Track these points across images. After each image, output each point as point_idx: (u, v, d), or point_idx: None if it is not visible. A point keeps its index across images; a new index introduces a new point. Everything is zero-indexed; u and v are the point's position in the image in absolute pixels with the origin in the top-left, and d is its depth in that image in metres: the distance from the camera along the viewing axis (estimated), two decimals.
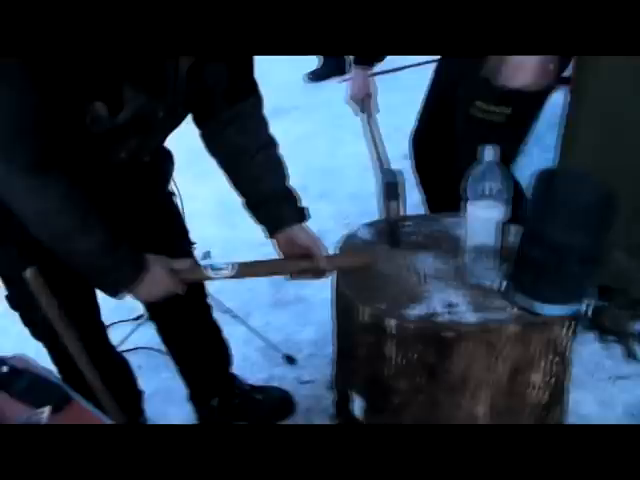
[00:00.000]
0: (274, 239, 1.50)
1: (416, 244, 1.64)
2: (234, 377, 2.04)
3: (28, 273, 1.20)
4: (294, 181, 1.50)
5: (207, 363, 1.94)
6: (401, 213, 1.60)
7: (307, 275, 1.48)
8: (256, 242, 3.14)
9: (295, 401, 2.07)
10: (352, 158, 3.66)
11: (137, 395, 1.95)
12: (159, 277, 1.37)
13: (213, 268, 1.42)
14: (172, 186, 1.71)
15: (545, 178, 1.24)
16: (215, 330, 1.93)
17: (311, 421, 2.03)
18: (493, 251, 1.45)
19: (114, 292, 1.36)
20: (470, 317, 1.36)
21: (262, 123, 1.50)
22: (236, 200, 1.55)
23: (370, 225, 1.75)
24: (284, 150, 1.52)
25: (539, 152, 2.93)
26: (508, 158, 1.86)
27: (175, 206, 1.72)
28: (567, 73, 4.22)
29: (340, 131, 3.84)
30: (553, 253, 1.27)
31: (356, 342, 1.51)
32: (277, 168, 1.49)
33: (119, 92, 1.17)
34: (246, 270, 1.47)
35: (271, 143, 1.50)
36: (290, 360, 2.27)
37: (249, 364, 2.32)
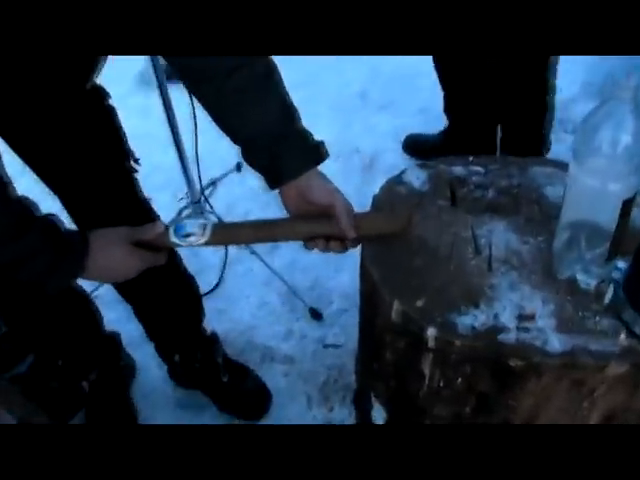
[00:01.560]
0: (279, 192, 1.05)
1: (485, 204, 1.14)
2: (212, 339, 1.69)
3: None
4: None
5: (167, 316, 1.58)
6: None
7: (329, 244, 1.03)
8: None
9: (270, 402, 1.66)
10: (428, 64, 3.07)
11: (103, 338, 1.65)
12: (119, 258, 1.00)
13: (178, 231, 1.01)
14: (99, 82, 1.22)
15: None
16: (180, 279, 1.55)
17: (328, 399, 1.63)
18: (601, 236, 0.94)
19: (49, 288, 1.01)
20: (553, 341, 0.88)
21: None
22: None
23: (423, 166, 1.25)
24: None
25: None
26: None
27: (104, 107, 1.25)
28: None
29: None
30: None
31: (381, 340, 1.06)
32: (265, 93, 0.99)
33: None
34: (226, 234, 1.04)
35: (252, 61, 0.98)
36: (315, 315, 1.85)
37: (266, 312, 1.92)
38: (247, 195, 2.33)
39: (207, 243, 1.03)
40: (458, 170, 1.22)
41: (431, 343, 0.93)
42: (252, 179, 2.46)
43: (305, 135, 1.02)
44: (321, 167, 1.04)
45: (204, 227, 1.02)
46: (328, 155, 1.03)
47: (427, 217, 1.09)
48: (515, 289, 0.96)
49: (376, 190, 1.21)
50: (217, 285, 1.97)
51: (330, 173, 1.11)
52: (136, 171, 1.35)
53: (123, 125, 1.31)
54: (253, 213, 2.17)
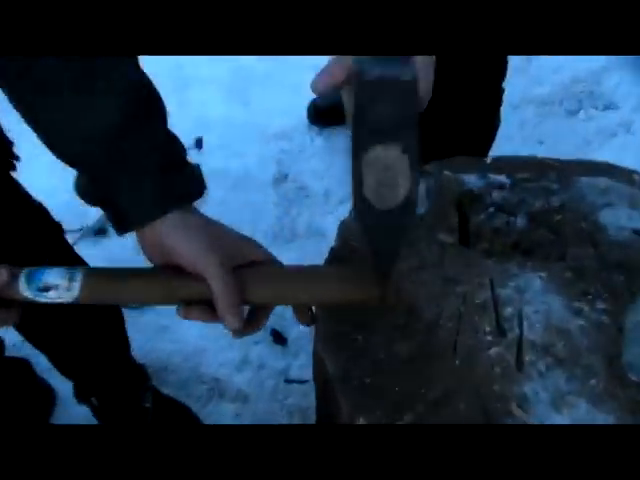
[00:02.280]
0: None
1: (512, 241, 0.75)
2: (140, 376, 1.32)
3: None
4: None
5: (77, 347, 1.22)
6: None
7: (202, 312, 0.64)
8: (271, 132, 2.30)
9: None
10: None
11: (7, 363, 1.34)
12: None
13: (32, 281, 0.65)
14: None
15: None
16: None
17: None
18: None
19: None
20: None
21: None
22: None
23: (420, 173, 0.85)
24: None
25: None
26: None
27: None
28: None
29: None
30: None
31: None
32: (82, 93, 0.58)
33: None
34: (103, 290, 0.68)
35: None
36: (278, 339, 1.47)
37: (218, 332, 1.53)
38: (209, 178, 1.93)
39: (76, 301, 0.66)
40: (471, 181, 0.82)
41: None
42: (216, 159, 2.08)
43: (167, 156, 0.61)
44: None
45: (71, 277, 0.66)
46: (204, 190, 0.63)
47: (421, 266, 0.69)
48: (562, 406, 0.57)
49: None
50: None
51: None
52: (14, 168, 0.96)
53: None
54: (216, 199, 1.78)
